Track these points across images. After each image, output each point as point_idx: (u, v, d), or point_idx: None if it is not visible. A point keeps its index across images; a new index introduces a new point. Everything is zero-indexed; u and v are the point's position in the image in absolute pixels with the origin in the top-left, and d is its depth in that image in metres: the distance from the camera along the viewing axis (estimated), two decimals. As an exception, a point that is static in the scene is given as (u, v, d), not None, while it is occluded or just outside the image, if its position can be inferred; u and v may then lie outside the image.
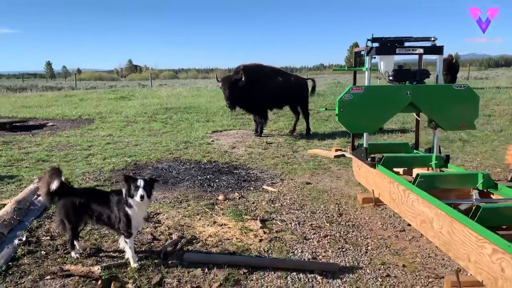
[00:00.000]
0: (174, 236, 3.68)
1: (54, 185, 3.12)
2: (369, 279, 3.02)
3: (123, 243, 3.15)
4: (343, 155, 7.02)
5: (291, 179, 5.69)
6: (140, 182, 2.97)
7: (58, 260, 3.25)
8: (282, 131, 9.94)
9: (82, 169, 6.05)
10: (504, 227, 3.33)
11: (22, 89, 27.95)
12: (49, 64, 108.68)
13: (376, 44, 4.64)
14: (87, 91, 25.43)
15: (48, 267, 3.12)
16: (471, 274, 2.87)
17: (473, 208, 3.00)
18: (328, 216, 4.29)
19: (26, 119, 12.08)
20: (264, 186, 5.34)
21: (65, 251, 3.38)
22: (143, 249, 3.48)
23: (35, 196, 4.44)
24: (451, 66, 18.29)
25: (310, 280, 3.00)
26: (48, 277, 2.97)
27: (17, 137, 9.15)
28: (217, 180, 5.59)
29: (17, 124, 10.97)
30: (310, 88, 9.97)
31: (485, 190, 3.83)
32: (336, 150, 7.35)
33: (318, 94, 17.02)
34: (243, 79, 8.66)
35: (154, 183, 3.13)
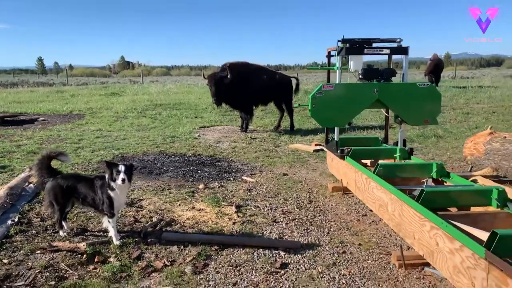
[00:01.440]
0: (154, 219, 4.03)
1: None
2: (327, 254, 3.39)
3: (106, 223, 3.49)
4: (322, 150, 7.39)
5: (270, 171, 6.05)
6: (121, 167, 3.31)
7: (48, 238, 3.59)
8: (268, 127, 10.30)
9: (71, 161, 6.36)
10: (454, 209, 3.71)
11: (13, 85, 28.04)
12: (40, 60, 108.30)
13: (346, 45, 5.01)
14: (79, 87, 25.63)
15: (38, 243, 3.46)
16: (415, 250, 3.24)
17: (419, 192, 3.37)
18: (299, 203, 4.65)
19: (17, 114, 12.31)
20: (244, 177, 5.69)
21: (54, 231, 3.72)
22: (125, 229, 3.82)
23: (27, 183, 4.75)
24: (437, 66, 18.87)
25: (274, 255, 3.36)
26: (38, 251, 3.31)
27: (9, 131, 9.41)
28: (199, 171, 5.93)
29: (8, 118, 11.20)
30: (294, 86, 10.33)
31: (439, 179, 4.21)
32: (316, 145, 7.72)
33: (307, 91, 17.37)
34: (228, 76, 8.99)
35: (133, 168, 3.47)
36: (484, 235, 2.77)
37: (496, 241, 2.36)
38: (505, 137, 5.38)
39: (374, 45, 5.03)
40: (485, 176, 4.90)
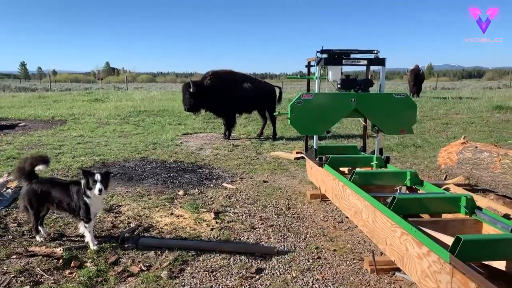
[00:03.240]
0: (132, 224, 4.06)
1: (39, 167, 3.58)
2: (302, 260, 3.46)
3: (83, 228, 3.50)
4: (303, 157, 7.49)
5: (250, 178, 6.11)
6: (98, 176, 3.33)
7: (24, 243, 3.59)
8: (250, 135, 10.38)
9: (51, 166, 6.33)
10: (426, 216, 3.82)
11: (-6, 89, 27.62)
12: (23, 64, 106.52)
13: (325, 56, 5.13)
14: (62, 92, 25.37)
15: (14, 248, 3.46)
16: (387, 255, 3.34)
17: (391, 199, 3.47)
18: (277, 210, 4.72)
19: (-3, 119, 12.17)
20: (224, 184, 5.74)
21: (30, 236, 3.72)
22: (103, 235, 3.83)
23: (4, 189, 4.73)
24: (417, 77, 19.45)
25: (249, 260, 3.41)
26: (14, 256, 3.31)
27: (-12, 136, 9.29)
28: (180, 178, 5.96)
29: (-11, 123, 11.07)
30: (277, 95, 10.44)
31: (412, 186, 4.33)
32: (297, 153, 7.83)
33: (290, 100, 17.56)
34: (191, 89, 9.06)
35: (110, 175, 3.49)
36: (451, 241, 2.88)
37: (460, 246, 2.46)
38: (477, 146, 5.55)
39: (352, 56, 5.16)
40: (458, 185, 5.06)
